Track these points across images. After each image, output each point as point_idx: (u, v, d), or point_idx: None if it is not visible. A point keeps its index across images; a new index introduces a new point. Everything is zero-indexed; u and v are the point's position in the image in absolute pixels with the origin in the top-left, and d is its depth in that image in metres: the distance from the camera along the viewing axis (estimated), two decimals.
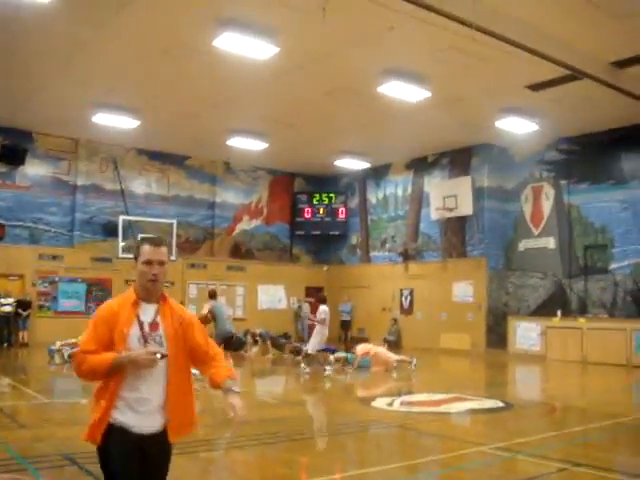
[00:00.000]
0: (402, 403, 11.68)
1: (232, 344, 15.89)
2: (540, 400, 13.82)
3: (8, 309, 22.08)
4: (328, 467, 7.21)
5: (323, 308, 17.29)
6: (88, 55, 16.29)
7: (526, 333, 22.31)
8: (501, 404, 11.77)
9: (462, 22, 12.51)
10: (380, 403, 11.59)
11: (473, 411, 11.15)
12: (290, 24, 14.04)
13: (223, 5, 13.35)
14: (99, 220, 25.08)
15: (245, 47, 14.64)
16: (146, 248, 3.68)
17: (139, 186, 26.25)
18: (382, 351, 17.73)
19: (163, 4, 13.50)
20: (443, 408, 11.25)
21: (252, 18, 13.67)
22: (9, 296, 22.24)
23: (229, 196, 28.49)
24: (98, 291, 24.52)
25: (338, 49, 15.42)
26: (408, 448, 8.55)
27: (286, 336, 24.19)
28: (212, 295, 16.25)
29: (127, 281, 24.89)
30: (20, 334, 22.37)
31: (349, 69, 16.73)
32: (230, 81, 17.73)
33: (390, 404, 11.53)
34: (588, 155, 21.82)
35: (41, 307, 23.51)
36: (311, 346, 17.26)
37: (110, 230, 24.74)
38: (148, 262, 3.65)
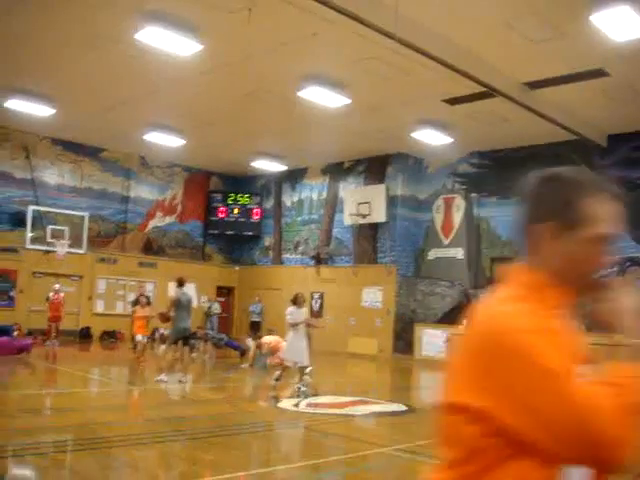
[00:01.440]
0: (308, 405, 11.82)
1: (190, 344, 15.20)
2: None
3: None
4: (233, 464, 7.27)
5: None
6: (7, 39, 15.85)
7: (432, 340, 22.81)
8: (404, 408, 12.06)
9: (385, 33, 12.75)
10: (286, 404, 11.72)
11: (377, 414, 11.40)
12: (215, 23, 14.02)
13: None
14: (6, 209, 24.33)
15: (168, 43, 14.53)
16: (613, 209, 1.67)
17: (51, 176, 25.61)
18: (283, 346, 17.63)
19: None
20: (348, 410, 11.45)
21: (177, 14, 13.59)
22: None
23: (143, 191, 28.13)
24: (2, 282, 23.84)
25: (261, 51, 15.48)
26: (312, 448, 8.69)
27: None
28: (180, 283, 14.96)
29: (34, 273, 24.34)
30: None
31: (271, 72, 16.81)
32: (150, 75, 17.53)
33: (296, 405, 11.67)
34: (498, 170, 22.52)
35: None
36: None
37: (18, 220, 24.06)
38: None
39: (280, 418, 10.53)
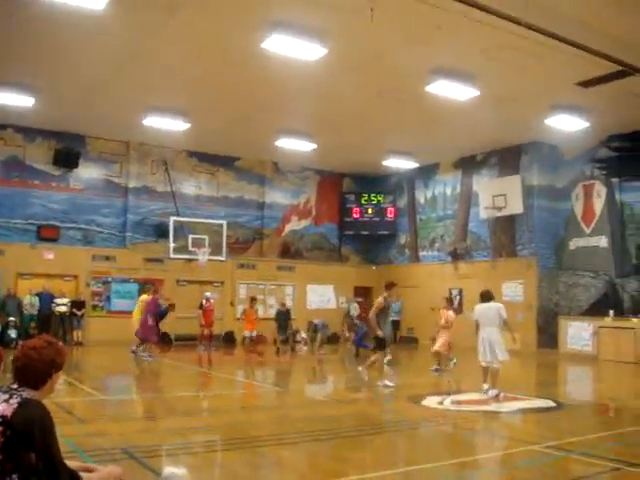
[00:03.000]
0: (453, 402, 11.67)
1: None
2: (592, 400, 13.69)
3: (63, 309, 22.64)
4: (379, 463, 7.26)
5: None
6: (140, 59, 16.62)
7: (578, 333, 22.03)
8: (552, 404, 11.69)
9: (512, 20, 12.48)
10: (430, 402, 11.61)
11: (524, 410, 11.11)
12: (338, 25, 14.13)
13: (272, 7, 13.48)
14: (150, 221, 25.51)
15: (293, 49, 14.76)
16: None
17: (189, 187, 26.64)
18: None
19: (213, 8, 13.70)
20: (494, 407, 11.22)
21: (300, 20, 13.78)
22: (64, 296, 22.79)
23: (278, 197, 28.71)
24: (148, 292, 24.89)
25: (386, 49, 15.47)
26: (460, 445, 8.56)
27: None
28: (389, 286, 13.98)
29: (178, 281, 25.33)
30: (74, 333, 22.91)
31: (397, 69, 16.75)
32: (279, 83, 17.88)
33: (441, 403, 11.55)
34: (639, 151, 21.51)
35: (95, 307, 24.00)
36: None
37: (161, 231, 25.18)
38: None
39: (425, 416, 10.44)
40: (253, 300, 22.45)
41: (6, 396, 3.35)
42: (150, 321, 18.69)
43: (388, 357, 18.40)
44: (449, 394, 12.37)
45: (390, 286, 13.86)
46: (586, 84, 17.43)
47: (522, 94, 18.51)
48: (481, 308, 12.90)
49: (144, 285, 22.23)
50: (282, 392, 14.02)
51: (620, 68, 15.60)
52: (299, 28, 13.97)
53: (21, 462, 3.26)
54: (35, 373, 3.49)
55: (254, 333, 22.06)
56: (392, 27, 14.20)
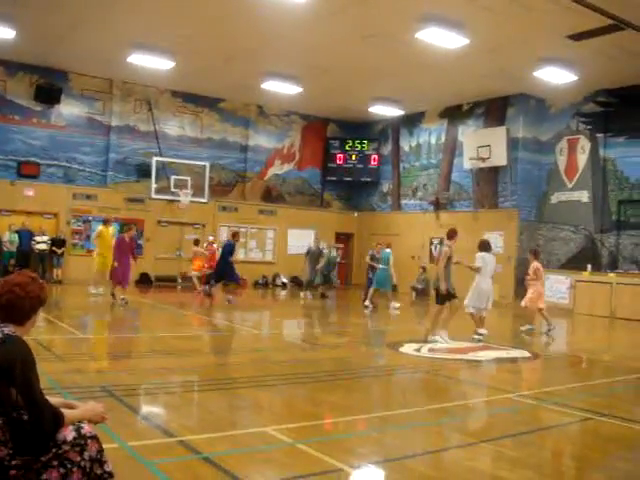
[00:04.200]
0: (430, 350, 11.81)
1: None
2: (566, 352, 13.91)
3: (43, 247, 22.51)
4: (356, 407, 7.38)
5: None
6: None
7: (555, 286, 22.25)
8: (527, 354, 11.88)
9: None
10: (408, 349, 11.75)
11: (500, 360, 11.29)
12: None
13: None
14: (132, 161, 25.29)
15: None
16: None
17: (172, 128, 26.35)
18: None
19: None
20: (471, 356, 11.37)
21: None
22: (44, 234, 22.64)
23: (262, 140, 28.50)
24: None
25: None
26: (435, 392, 8.69)
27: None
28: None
29: (159, 222, 25.23)
30: (54, 271, 22.84)
31: (387, 14, 16.51)
32: (267, 24, 17.59)
33: (418, 350, 11.69)
34: (627, 108, 21.49)
35: (75, 245, 23.88)
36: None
37: (143, 171, 25.02)
38: None
39: (403, 362, 10.57)
40: (196, 242, 22.75)
41: None
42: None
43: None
44: (426, 342, 12.50)
45: (453, 234, 13.34)
46: (576, 37, 17.30)
47: (511, 45, 18.37)
48: (488, 257, 13.34)
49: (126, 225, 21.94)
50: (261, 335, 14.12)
51: (611, 22, 15.50)
52: None
53: (1, 397, 3.26)
54: (21, 309, 3.48)
55: (198, 273, 22.32)
56: None
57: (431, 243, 26.65)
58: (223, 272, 18.82)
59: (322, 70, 21.89)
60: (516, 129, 23.77)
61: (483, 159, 24.18)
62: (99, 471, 3.53)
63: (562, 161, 23.40)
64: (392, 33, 17.86)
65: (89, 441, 3.51)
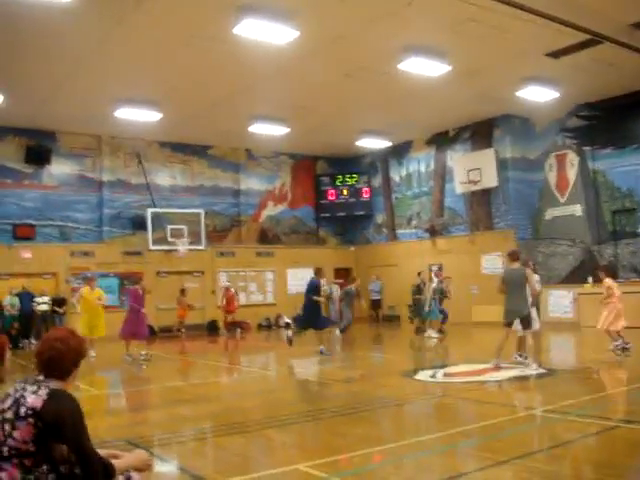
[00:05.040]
0: (445, 375, 11.81)
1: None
2: (579, 365, 13.91)
3: (45, 307, 22.41)
4: (382, 437, 7.37)
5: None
6: (107, 51, 16.40)
7: (558, 301, 22.32)
8: (543, 371, 11.88)
9: None
10: (422, 376, 11.74)
11: (517, 378, 11.28)
12: (309, 6, 14.08)
13: None
14: (127, 214, 25.35)
15: (265, 33, 14.69)
16: None
17: (164, 178, 26.48)
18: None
19: None
20: (487, 377, 11.38)
21: (271, 3, 13.72)
22: (44, 295, 22.58)
23: (253, 183, 28.66)
24: (130, 284, 24.79)
25: (357, 29, 15.45)
26: (459, 415, 8.69)
27: None
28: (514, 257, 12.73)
29: (158, 273, 25.24)
30: None
31: (369, 48, 16.74)
32: (250, 68, 17.79)
33: (433, 376, 11.68)
34: (610, 120, 21.75)
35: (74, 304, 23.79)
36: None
37: (138, 223, 25.08)
38: None
39: (420, 390, 10.57)
40: (182, 291, 21.56)
41: (34, 388, 3.36)
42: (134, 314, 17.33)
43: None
44: (441, 367, 12.49)
45: (517, 255, 12.78)
46: (555, 54, 17.58)
47: (493, 67, 18.61)
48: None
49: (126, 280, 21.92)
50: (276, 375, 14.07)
51: (588, 37, 15.75)
52: (270, 11, 13.90)
53: (52, 453, 3.28)
54: (62, 364, 3.50)
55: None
56: (362, 6, 14.19)
57: (430, 270, 26.68)
58: (310, 318, 16.44)
59: (308, 109, 22.10)
60: (504, 150, 24.00)
61: (474, 182, 24.36)
62: None
63: (552, 177, 23.60)
64: (374, 67, 18.09)
65: None
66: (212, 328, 25.73)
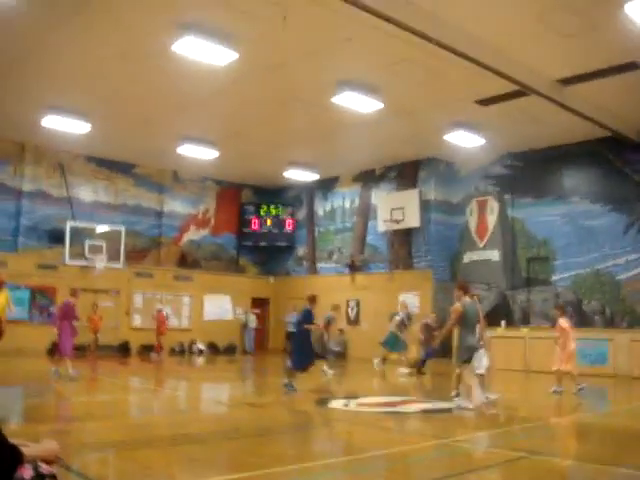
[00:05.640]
0: (359, 404, 11.85)
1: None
2: (489, 403, 14.15)
3: None
4: (296, 457, 7.34)
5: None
6: (42, 55, 16.11)
7: None
8: (453, 406, 12.03)
9: (421, 35, 12.89)
10: (337, 404, 11.76)
11: (429, 410, 11.40)
12: (250, 31, 14.20)
13: (184, 9, 13.45)
14: (44, 226, 24.70)
15: (204, 53, 14.69)
16: None
17: (86, 193, 25.98)
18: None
19: (123, 6, 13.53)
20: (400, 408, 11.47)
21: (213, 24, 13.76)
22: None
23: (176, 205, 28.43)
24: (42, 298, 24.15)
25: (295, 58, 15.65)
26: (368, 442, 8.72)
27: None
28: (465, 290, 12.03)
29: (72, 289, 24.56)
30: None
31: (305, 78, 16.96)
32: (186, 87, 17.75)
33: (346, 405, 11.70)
34: (532, 170, 22.55)
35: None
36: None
37: (56, 237, 24.48)
38: None
39: (334, 417, 10.58)
40: (95, 305, 23.47)
41: None
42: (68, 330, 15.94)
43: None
44: (355, 397, 12.53)
45: (469, 288, 12.34)
46: (484, 102, 18.14)
47: (423, 109, 19.07)
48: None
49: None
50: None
51: (516, 87, 16.31)
52: (211, 31, 13.94)
53: None
54: None
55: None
56: (304, 37, 14.41)
57: (348, 305, 26.86)
58: (306, 350, 14.41)
59: (239, 134, 22.11)
60: (428, 191, 24.50)
61: (397, 221, 24.75)
62: None
63: (473, 221, 24.21)
64: (309, 98, 18.29)
65: None
66: (124, 349, 25.19)
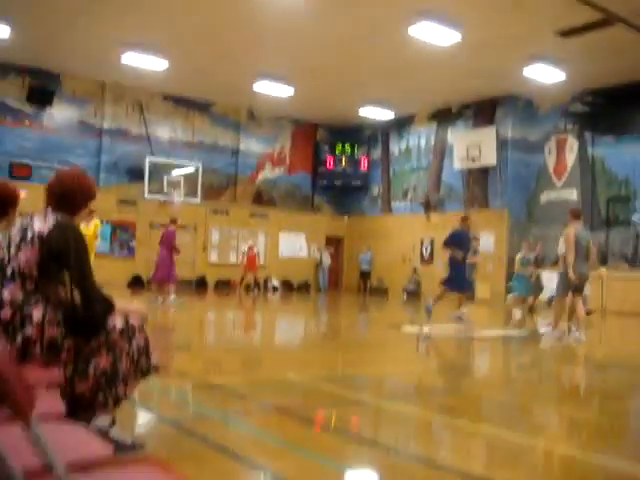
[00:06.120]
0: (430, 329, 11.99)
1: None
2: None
3: None
4: (363, 363, 7.50)
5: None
6: None
7: (547, 283, 22.41)
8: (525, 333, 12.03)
9: None
10: (408, 329, 11.92)
11: (505, 337, 11.43)
12: None
13: None
14: (125, 163, 25.30)
15: None
16: None
17: (164, 131, 26.42)
18: None
19: None
20: (469, 334, 11.55)
21: None
22: None
23: (252, 144, 28.63)
24: (122, 233, 24.89)
25: None
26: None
27: None
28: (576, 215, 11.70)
29: (151, 224, 25.24)
30: None
31: (381, 10, 16.70)
32: (260, 22, 17.66)
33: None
34: (613, 107, 21.78)
35: None
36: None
37: (135, 173, 25.06)
38: None
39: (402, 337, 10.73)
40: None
41: (42, 217, 3.45)
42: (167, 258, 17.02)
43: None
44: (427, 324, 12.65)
45: (578, 214, 11.77)
46: (566, 33, 17.56)
47: (502, 42, 18.54)
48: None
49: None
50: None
51: (601, 17, 15.75)
52: None
53: (55, 279, 3.35)
54: (73, 200, 3.59)
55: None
56: None
57: (422, 244, 26.81)
58: (457, 277, 14.29)
59: (314, 71, 22.02)
60: (505, 129, 24.05)
61: (473, 159, 24.43)
62: (145, 363, 3.62)
63: (551, 160, 23.68)
64: (385, 31, 18.03)
65: (137, 332, 3.60)
66: (201, 284, 25.81)
